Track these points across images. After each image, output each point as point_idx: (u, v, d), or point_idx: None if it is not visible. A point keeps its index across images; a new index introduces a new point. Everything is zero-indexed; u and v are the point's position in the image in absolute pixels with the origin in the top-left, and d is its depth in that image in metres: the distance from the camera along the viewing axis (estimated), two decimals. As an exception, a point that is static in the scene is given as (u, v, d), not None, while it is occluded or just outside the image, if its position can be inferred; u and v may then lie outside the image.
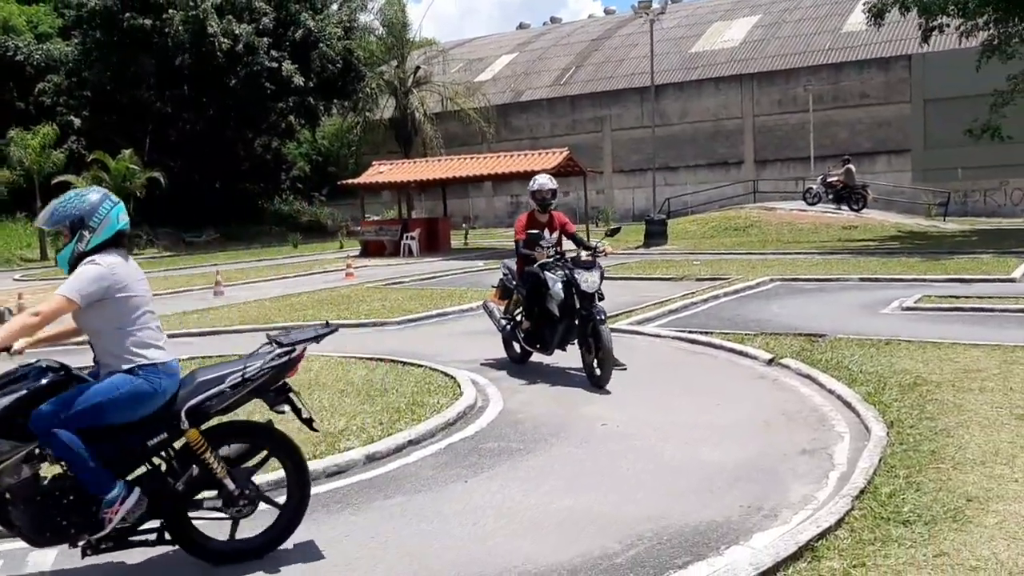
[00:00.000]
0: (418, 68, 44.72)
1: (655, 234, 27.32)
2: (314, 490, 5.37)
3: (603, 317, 8.15)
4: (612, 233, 9.46)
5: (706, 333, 10.45)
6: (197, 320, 13.85)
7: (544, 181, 9.03)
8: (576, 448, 6.30)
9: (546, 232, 8.93)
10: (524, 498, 5.25)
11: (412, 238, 27.59)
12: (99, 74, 36.79)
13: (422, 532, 4.79)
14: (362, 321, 12.82)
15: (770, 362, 8.78)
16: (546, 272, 8.63)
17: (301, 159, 48.07)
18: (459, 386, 8.03)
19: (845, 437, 6.22)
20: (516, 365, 9.25)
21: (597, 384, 8.08)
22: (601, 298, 8.68)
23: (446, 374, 8.63)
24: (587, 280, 8.30)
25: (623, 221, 31.77)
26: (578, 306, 8.34)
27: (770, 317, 11.86)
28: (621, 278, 17.77)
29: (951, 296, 12.64)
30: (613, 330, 10.85)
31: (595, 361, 8.20)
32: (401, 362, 9.35)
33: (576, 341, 8.50)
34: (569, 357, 8.77)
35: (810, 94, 36.40)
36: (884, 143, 37.74)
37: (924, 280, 14.80)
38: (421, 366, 9.08)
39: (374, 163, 32.05)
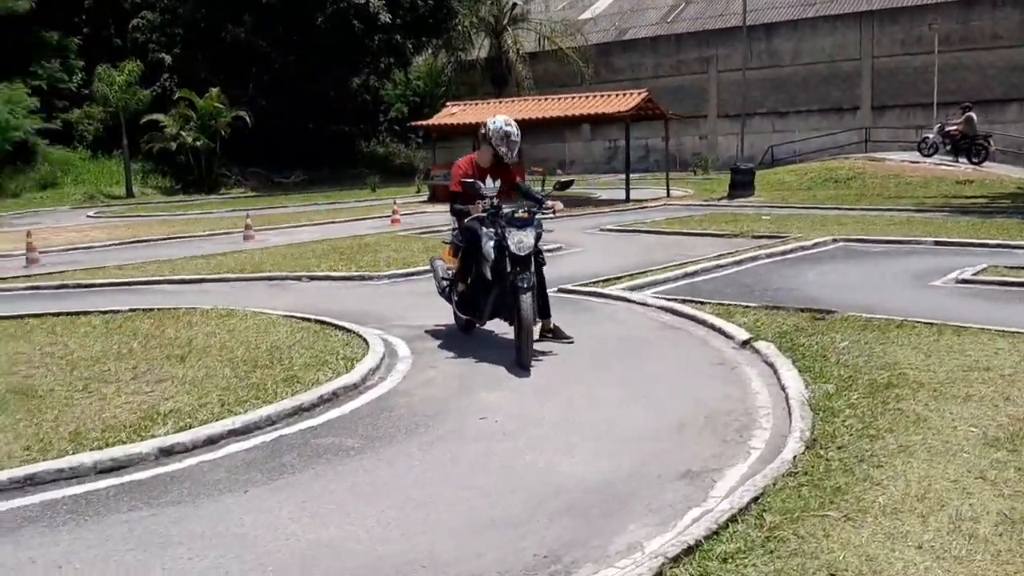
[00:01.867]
0: (514, 5, 43.09)
1: (740, 184, 25.28)
2: (64, 491, 4.50)
3: (525, 286, 6.90)
4: (563, 187, 8.12)
5: (699, 304, 9.02)
6: (195, 266, 13.23)
7: (511, 129, 7.56)
8: (421, 450, 5.15)
9: (488, 180, 7.68)
10: (279, 523, 4.16)
11: (481, 183, 26.41)
12: (192, 10, 36.83)
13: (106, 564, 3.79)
14: (350, 274, 11.90)
15: (744, 344, 7.34)
16: (483, 228, 7.44)
17: (398, 100, 47.36)
18: (362, 358, 6.97)
19: (752, 455, 4.85)
20: (461, 335, 8.11)
21: (519, 364, 6.87)
22: (541, 263, 7.46)
23: (366, 341, 7.59)
24: (518, 241, 7.06)
25: (725, 169, 29.53)
26: (508, 270, 7.11)
27: (797, 286, 10.27)
28: (672, 233, 16.28)
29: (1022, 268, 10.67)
30: (600, 295, 9.69)
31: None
32: (333, 324, 8.36)
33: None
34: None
35: (936, 34, 32.91)
36: (1017, 89, 33.97)
37: (1011, 247, 12.70)
38: (348, 330, 8.07)
39: (448, 104, 30.98)
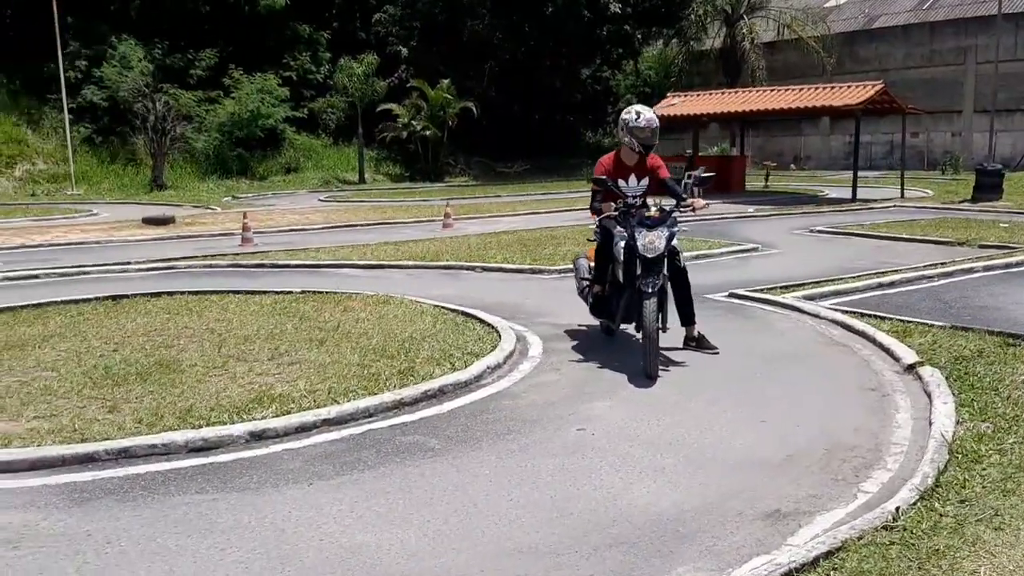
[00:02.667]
0: (752, -9, 41.40)
1: (986, 187, 22.91)
2: (150, 467, 4.73)
3: (650, 290, 6.47)
4: (702, 182, 7.54)
5: (878, 319, 8.15)
6: (382, 252, 13.68)
7: (651, 116, 7.08)
8: (498, 459, 4.92)
9: (632, 179, 7.28)
10: (322, 522, 4.09)
11: (693, 176, 25.57)
12: (430, 4, 38.28)
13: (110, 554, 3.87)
14: (522, 267, 11.83)
15: (908, 368, 6.51)
16: (616, 228, 7.09)
17: (628, 91, 46.93)
18: (485, 355, 6.85)
19: (857, 500, 4.24)
20: (602, 337, 7.78)
21: (645, 373, 6.46)
22: (679, 266, 6.99)
23: (500, 337, 7.48)
24: (648, 242, 6.63)
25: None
26: (638, 272, 6.72)
27: (1003, 305, 9.07)
28: (887, 237, 15.00)
29: None
30: (771, 303, 9.06)
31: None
32: (476, 317, 8.32)
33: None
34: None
35: None
36: None
37: None
38: (488, 325, 7.98)
39: (668, 94, 30.23)
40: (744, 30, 40.46)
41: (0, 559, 3.74)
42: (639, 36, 39.88)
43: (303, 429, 5.31)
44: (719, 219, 19.20)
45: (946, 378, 6.12)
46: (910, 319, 8.13)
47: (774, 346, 7.51)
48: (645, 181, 7.27)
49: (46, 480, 4.60)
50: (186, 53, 34.04)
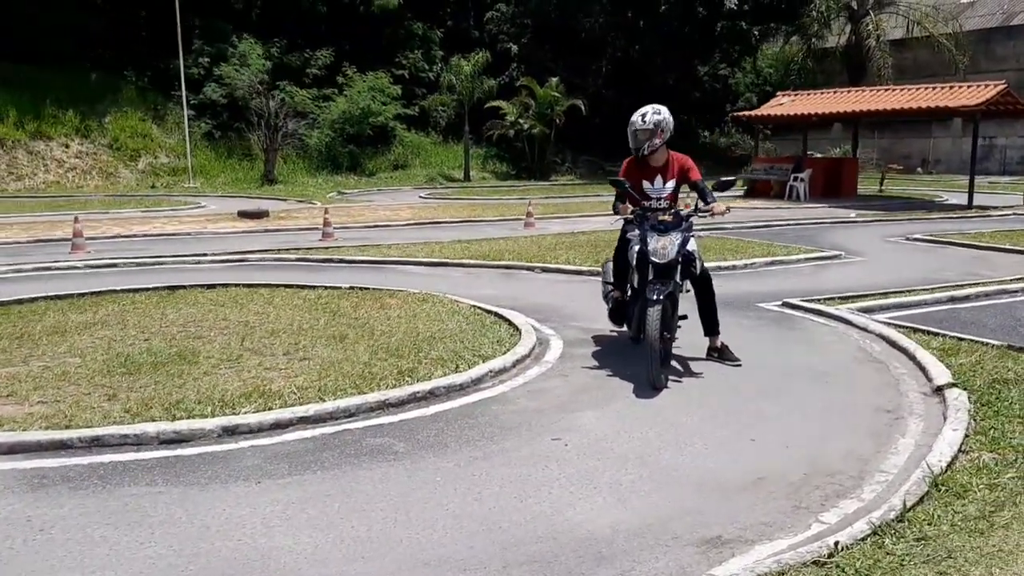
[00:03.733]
0: (881, -14, 39.58)
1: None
2: (114, 457, 4.87)
3: (654, 297, 6.21)
4: (723, 187, 7.16)
5: (931, 335, 7.64)
6: (450, 250, 13.73)
7: (635, 117, 6.79)
8: (456, 466, 4.80)
9: (658, 180, 7.00)
10: (248, 523, 4.09)
11: (800, 179, 24.68)
12: (542, 2, 38.25)
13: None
14: (580, 268, 11.65)
15: (937, 390, 6.04)
16: (632, 231, 6.88)
17: (747, 89, 45.73)
18: (492, 358, 6.76)
19: (808, 531, 3.93)
20: (631, 344, 7.54)
21: (649, 383, 6.22)
22: (698, 273, 6.70)
23: (520, 340, 7.37)
24: (657, 246, 6.40)
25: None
26: (650, 278, 6.48)
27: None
28: (986, 247, 14.10)
29: None
30: (822, 313, 8.65)
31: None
32: (506, 318, 8.23)
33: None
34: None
35: None
36: None
37: None
38: (515, 327, 7.88)
39: (779, 93, 29.21)
40: (870, 27, 38.73)
41: (-68, 539, 3.90)
42: (756, 33, 38.71)
43: (278, 426, 5.34)
44: (815, 224, 18.46)
45: (974, 402, 5.66)
46: (965, 336, 7.57)
47: (803, 360, 7.12)
48: (672, 183, 6.98)
49: (17, 464, 4.78)
50: (303, 52, 35.15)
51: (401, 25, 37.79)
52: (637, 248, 6.63)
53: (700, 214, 6.78)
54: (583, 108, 35.24)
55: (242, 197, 26.03)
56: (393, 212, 21.09)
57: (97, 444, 5.01)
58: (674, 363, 6.83)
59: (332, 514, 4.18)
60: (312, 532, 3.99)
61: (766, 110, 27.93)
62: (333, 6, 36.17)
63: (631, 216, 6.81)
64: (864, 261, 13.00)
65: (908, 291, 9.87)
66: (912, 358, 6.91)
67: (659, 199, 6.91)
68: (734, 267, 12.02)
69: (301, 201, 24.89)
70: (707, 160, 38.81)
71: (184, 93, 30.51)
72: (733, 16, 36.31)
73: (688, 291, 6.93)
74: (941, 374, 6.30)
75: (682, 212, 6.67)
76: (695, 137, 45.17)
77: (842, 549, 3.63)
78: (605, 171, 38.02)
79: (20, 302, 9.21)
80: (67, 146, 30.40)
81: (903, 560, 3.55)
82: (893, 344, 7.41)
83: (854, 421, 5.56)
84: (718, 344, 7.05)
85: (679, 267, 6.50)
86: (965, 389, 5.93)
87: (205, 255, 13.06)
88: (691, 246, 6.60)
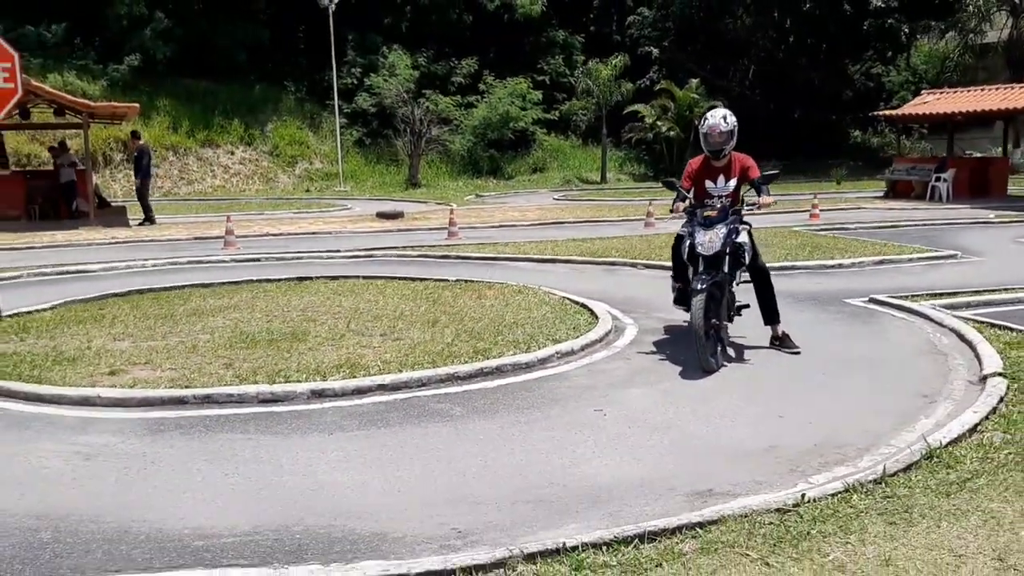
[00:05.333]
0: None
1: None
2: (222, 411, 5.79)
3: (699, 287, 6.67)
4: (767, 180, 7.39)
5: (1005, 329, 7.72)
6: (561, 248, 14.38)
7: (716, 121, 7.21)
8: (499, 427, 5.47)
9: (720, 179, 7.42)
10: (310, 463, 4.91)
11: (942, 179, 23.88)
12: (685, 5, 38.32)
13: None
14: (663, 264, 12.01)
15: (983, 379, 6.24)
16: (684, 227, 7.37)
17: (900, 87, 44.09)
18: (563, 341, 7.39)
19: (789, 489, 4.38)
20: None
21: (700, 366, 6.70)
22: (740, 264, 7.07)
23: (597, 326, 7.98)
24: (704, 239, 6.86)
25: None
26: (700, 270, 6.95)
27: None
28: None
29: None
30: (903, 308, 8.83)
31: None
32: (590, 309, 8.83)
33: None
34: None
35: None
36: None
37: None
38: (596, 316, 8.48)
39: (923, 91, 28.21)
40: (1033, 19, 36.71)
41: (70, 463, 4.91)
42: (906, 30, 37.38)
43: (359, 391, 6.16)
44: (946, 224, 17.99)
45: (1013, 391, 5.86)
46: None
47: (864, 350, 7.37)
48: (733, 182, 7.34)
49: (143, 414, 5.80)
50: (448, 60, 36.64)
51: (544, 32, 38.73)
52: (687, 243, 7.08)
53: (748, 208, 7.16)
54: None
55: (385, 200, 27.54)
56: (521, 213, 21.91)
57: (208, 401, 5.97)
58: (733, 349, 7.24)
59: (384, 459, 4.94)
60: (363, 471, 4.76)
61: (909, 109, 27.10)
62: (478, 15, 37.53)
63: (681, 213, 7.25)
64: (980, 261, 12.77)
65: (1005, 289, 9.80)
66: (974, 350, 7.06)
67: (719, 197, 7.27)
68: (840, 265, 12.12)
69: (440, 203, 26.11)
70: (860, 160, 37.86)
71: (337, 103, 32.50)
72: (881, 14, 35.24)
73: (744, 282, 7.33)
74: (993, 365, 6.46)
75: (727, 207, 7.05)
76: (844, 137, 43.98)
77: (808, 501, 4.07)
78: (746, 173, 37.68)
79: (171, 289, 10.53)
80: (232, 153, 32.93)
81: (860, 512, 3.96)
82: (961, 337, 7.54)
83: (886, 405, 5.86)
84: (779, 332, 7.42)
85: (727, 258, 6.91)
86: (1010, 379, 6.10)
87: (338, 251, 14.24)
88: (741, 238, 6.99)
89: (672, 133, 35.75)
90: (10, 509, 4.27)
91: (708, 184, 7.37)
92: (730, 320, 7.24)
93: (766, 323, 7.45)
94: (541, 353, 7.02)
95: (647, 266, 12.23)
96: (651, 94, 36.51)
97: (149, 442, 5.28)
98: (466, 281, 10.70)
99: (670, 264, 11.89)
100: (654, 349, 7.50)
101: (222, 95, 33.88)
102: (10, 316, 8.85)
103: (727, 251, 6.89)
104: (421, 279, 10.97)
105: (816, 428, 5.39)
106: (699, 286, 6.67)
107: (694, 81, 35.84)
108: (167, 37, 32.03)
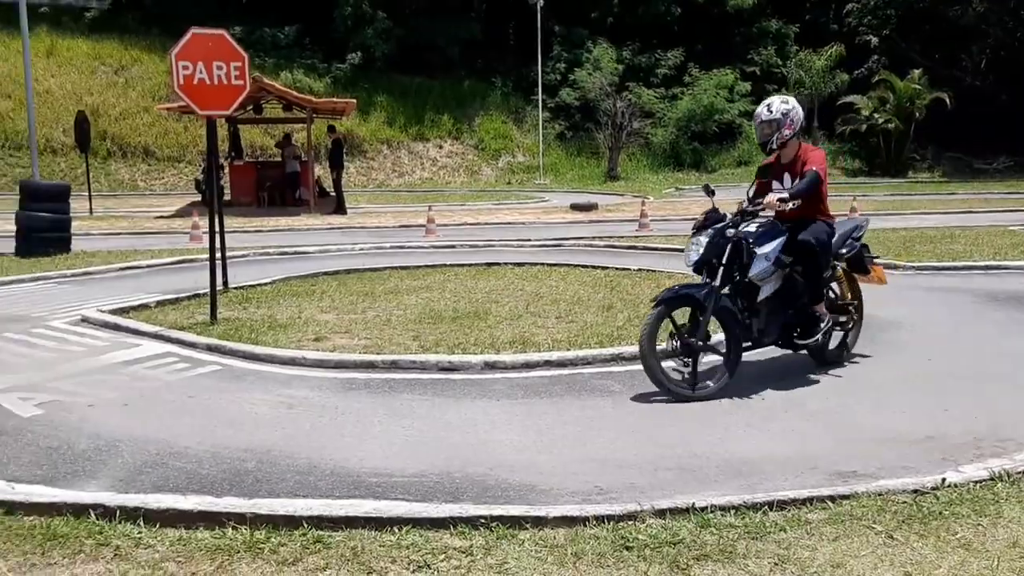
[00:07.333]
0: None
1: None
2: (406, 375, 6.42)
3: (657, 300, 6.04)
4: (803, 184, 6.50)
5: None
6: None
7: (759, 109, 6.33)
8: (653, 404, 5.75)
9: (786, 178, 6.38)
10: (461, 421, 5.39)
11: None
12: (910, -9, 36.35)
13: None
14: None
15: None
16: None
17: None
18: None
19: (935, 475, 4.39)
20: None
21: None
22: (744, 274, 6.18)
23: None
24: (687, 250, 6.40)
25: None
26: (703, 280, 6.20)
27: None
28: None
29: None
30: None
31: None
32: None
33: None
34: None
35: None
36: None
37: None
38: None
39: None
40: None
41: (275, 410, 5.66)
42: None
43: (528, 365, 6.61)
44: None
45: None
46: None
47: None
48: (797, 180, 6.26)
49: (339, 375, 6.50)
50: (653, 53, 36.63)
51: (756, 22, 37.90)
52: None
53: (751, 207, 6.22)
54: (948, 101, 33.01)
55: (583, 192, 28.02)
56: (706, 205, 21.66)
57: (394, 366, 6.61)
58: (914, 345, 7.10)
59: (542, 424, 5.35)
60: (523, 432, 5.19)
61: None
62: (687, 7, 37.24)
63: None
64: None
65: None
66: None
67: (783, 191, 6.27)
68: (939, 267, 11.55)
69: (637, 196, 26.28)
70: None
71: (540, 97, 33.34)
72: None
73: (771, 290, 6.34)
74: None
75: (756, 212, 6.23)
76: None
77: (948, 485, 4.10)
78: (973, 169, 35.31)
79: (374, 270, 11.45)
80: (440, 146, 34.57)
81: (1000, 499, 3.95)
82: None
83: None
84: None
85: (721, 269, 6.01)
86: None
87: (528, 240, 14.84)
88: (766, 247, 6.10)
89: (891, 126, 34.02)
90: (225, 443, 5.02)
91: (775, 185, 6.44)
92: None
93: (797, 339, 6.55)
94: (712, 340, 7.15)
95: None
96: (867, 85, 34.93)
97: (341, 397, 5.96)
98: (648, 271, 10.93)
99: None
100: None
101: (434, 90, 35.61)
102: (236, 288, 9.99)
103: (722, 261, 6.00)
104: (603, 267, 11.31)
105: (982, 423, 5.28)
106: (659, 296, 6.03)
107: (916, 71, 33.91)
108: (387, 36, 34.06)
